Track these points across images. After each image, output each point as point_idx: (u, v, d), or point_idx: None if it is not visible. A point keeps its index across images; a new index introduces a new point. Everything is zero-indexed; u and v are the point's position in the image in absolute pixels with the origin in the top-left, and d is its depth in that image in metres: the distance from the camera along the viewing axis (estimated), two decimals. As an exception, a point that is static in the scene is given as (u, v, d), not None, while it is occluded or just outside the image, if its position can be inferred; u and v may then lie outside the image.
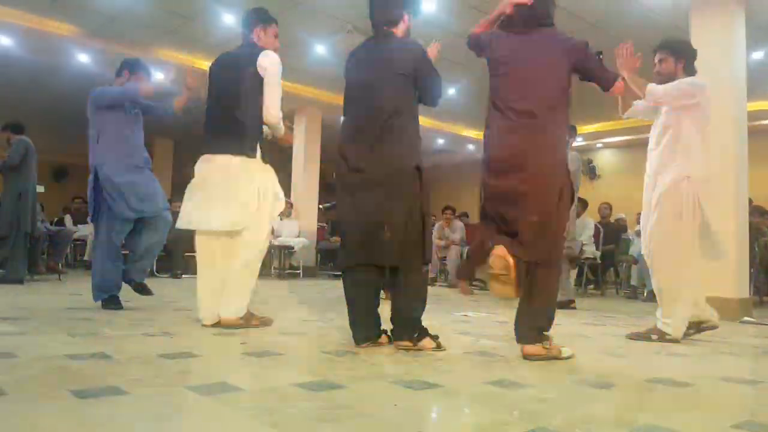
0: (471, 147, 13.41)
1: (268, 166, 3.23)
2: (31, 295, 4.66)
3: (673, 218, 3.16)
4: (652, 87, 3.19)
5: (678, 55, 3.34)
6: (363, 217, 2.59)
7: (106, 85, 4.07)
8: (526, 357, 2.44)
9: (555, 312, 2.52)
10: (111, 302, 3.76)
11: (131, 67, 4.01)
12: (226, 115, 3.14)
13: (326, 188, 10.71)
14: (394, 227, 2.53)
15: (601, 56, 2.62)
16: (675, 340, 3.17)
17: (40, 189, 6.60)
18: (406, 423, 1.52)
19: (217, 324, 3.07)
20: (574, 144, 5.85)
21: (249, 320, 3.11)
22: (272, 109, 3.21)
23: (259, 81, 3.15)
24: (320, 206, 10.58)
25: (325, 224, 11.01)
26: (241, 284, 3.10)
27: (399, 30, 2.74)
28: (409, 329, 2.58)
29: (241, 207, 3.06)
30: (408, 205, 2.55)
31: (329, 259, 10.43)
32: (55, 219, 9.69)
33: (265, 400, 1.63)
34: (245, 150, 3.09)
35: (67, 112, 8.96)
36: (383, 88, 2.61)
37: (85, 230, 8.28)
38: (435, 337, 2.62)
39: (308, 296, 5.82)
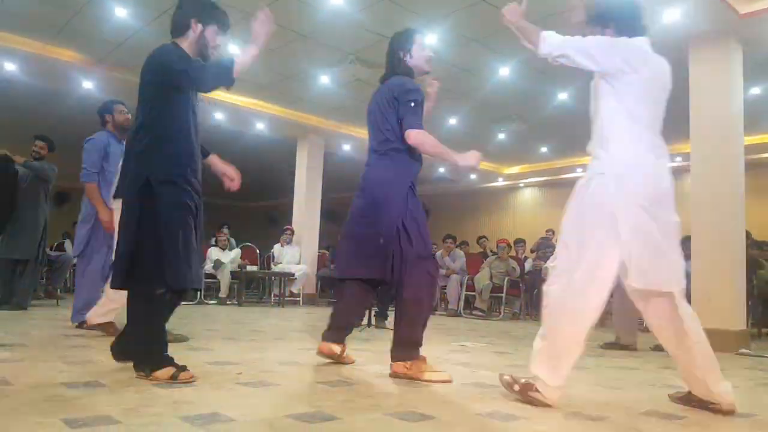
0: (472, 176, 13.52)
1: None
2: (29, 321, 4.65)
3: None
4: (547, 34, 2.35)
5: (603, 22, 2.45)
6: None
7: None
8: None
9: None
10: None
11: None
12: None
13: (326, 215, 10.76)
14: (119, 247, 2.44)
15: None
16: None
17: None
18: (397, 456, 1.51)
19: None
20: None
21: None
22: None
23: None
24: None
25: (326, 251, 11.01)
26: None
27: (186, 39, 2.55)
28: (138, 359, 2.40)
29: None
30: (131, 223, 2.39)
31: (329, 286, 10.41)
32: (55, 244, 9.70)
33: (256, 431, 1.63)
34: None
35: (70, 137, 9.03)
36: (139, 102, 2.54)
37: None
38: (179, 368, 2.35)
39: (307, 324, 5.80)
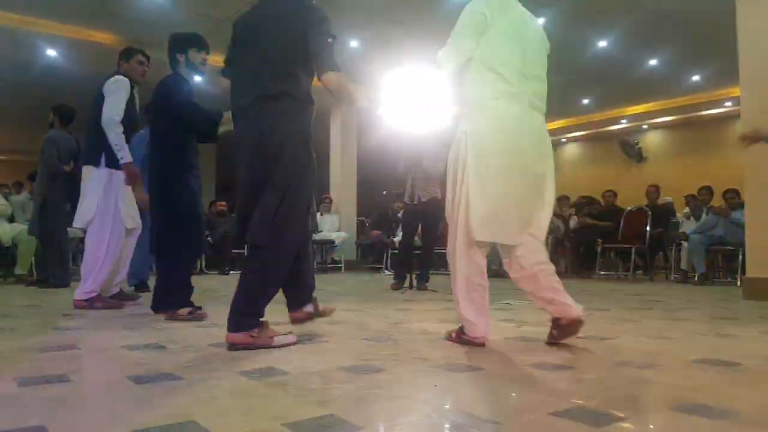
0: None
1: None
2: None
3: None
4: (437, 60, 2.40)
5: None
6: None
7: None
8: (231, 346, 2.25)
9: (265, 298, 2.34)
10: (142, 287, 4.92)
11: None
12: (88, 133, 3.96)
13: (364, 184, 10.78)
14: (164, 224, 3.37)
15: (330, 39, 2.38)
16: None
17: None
18: (444, 402, 1.56)
19: None
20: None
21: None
22: (104, 115, 3.75)
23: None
24: (384, 192, 10.56)
25: (365, 219, 11.09)
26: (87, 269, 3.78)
27: (182, 68, 3.39)
28: (169, 303, 3.23)
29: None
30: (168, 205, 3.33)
31: (370, 252, 10.53)
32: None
33: (310, 382, 1.70)
34: (92, 161, 3.86)
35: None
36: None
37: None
38: (195, 308, 3.21)
39: (350, 288, 5.91)
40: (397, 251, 9.08)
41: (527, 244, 2.38)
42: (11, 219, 6.76)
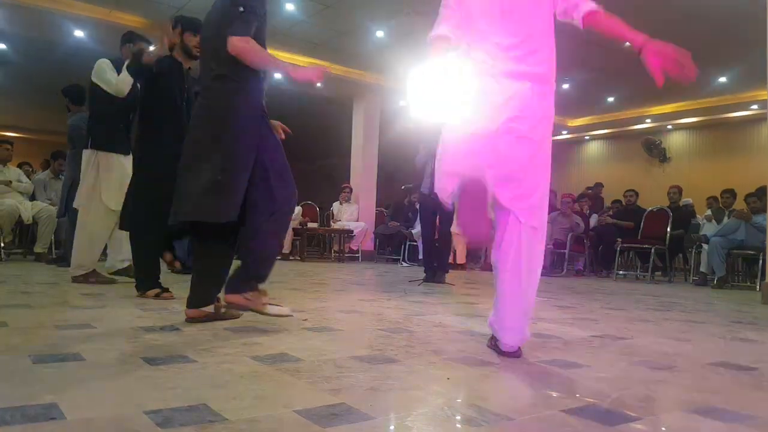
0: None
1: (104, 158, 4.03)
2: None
3: None
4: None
5: None
6: None
7: None
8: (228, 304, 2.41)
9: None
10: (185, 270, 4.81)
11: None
12: None
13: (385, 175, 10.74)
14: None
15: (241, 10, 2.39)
16: None
17: None
18: (457, 395, 1.55)
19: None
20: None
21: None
22: (111, 90, 3.98)
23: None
24: (403, 187, 10.55)
25: (384, 209, 11.07)
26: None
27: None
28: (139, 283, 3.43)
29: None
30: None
31: (387, 243, 10.53)
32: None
33: (323, 370, 1.70)
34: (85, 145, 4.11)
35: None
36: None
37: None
38: (163, 290, 3.35)
39: (366, 278, 5.92)
40: (415, 243, 9.06)
41: None
42: (32, 197, 6.85)
